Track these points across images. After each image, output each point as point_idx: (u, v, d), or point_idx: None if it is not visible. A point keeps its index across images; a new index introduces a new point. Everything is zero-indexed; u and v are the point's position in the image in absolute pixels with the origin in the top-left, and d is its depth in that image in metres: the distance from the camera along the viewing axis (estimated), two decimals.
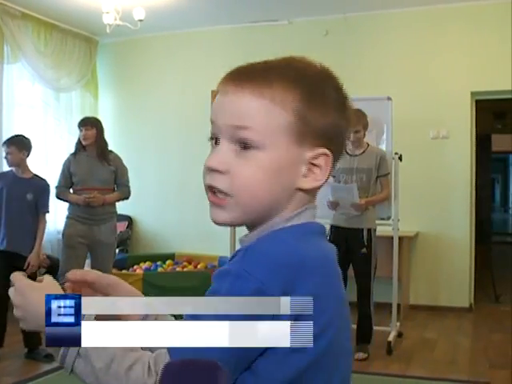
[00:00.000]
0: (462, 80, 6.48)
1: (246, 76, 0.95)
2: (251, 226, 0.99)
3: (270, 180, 0.94)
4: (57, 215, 6.82)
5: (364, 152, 4.88)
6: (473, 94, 6.55)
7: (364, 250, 4.79)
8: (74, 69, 7.63)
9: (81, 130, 5.19)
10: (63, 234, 5.21)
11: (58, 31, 7.38)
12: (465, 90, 6.50)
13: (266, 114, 0.93)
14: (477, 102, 6.69)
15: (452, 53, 6.52)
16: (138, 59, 7.96)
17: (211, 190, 0.97)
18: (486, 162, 11.14)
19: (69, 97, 7.66)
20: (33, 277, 4.87)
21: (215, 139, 0.99)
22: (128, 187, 5.39)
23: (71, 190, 5.23)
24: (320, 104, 0.96)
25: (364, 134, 4.87)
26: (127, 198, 5.43)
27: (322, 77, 0.99)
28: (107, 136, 5.39)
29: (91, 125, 5.22)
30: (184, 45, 7.70)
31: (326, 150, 0.96)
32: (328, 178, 0.98)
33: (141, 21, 6.34)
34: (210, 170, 0.96)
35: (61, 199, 5.31)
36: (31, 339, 4.74)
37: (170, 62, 7.77)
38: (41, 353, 4.69)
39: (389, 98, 5.43)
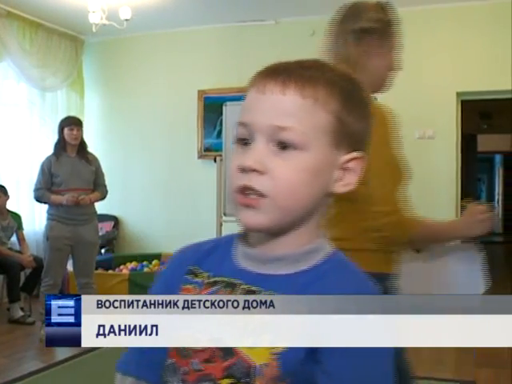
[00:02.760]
0: (447, 80, 6.50)
1: (288, 74, 0.92)
2: (278, 233, 0.95)
3: (309, 182, 0.91)
4: (41, 214, 6.78)
5: None
6: (458, 94, 6.58)
7: None
8: (60, 68, 7.59)
9: (71, 129, 5.12)
10: (48, 237, 5.14)
11: (44, 30, 7.34)
12: (450, 90, 6.52)
13: (309, 114, 0.90)
14: (462, 102, 6.72)
15: (438, 53, 6.54)
16: (124, 59, 7.93)
17: (243, 191, 0.91)
18: (472, 162, 11.22)
19: (54, 96, 7.61)
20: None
21: (243, 140, 0.94)
22: (106, 187, 5.40)
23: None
24: (357, 107, 0.95)
25: None
26: (105, 197, 5.44)
27: (355, 80, 0.98)
28: (94, 136, 5.38)
29: (80, 125, 5.23)
30: (170, 44, 7.68)
31: (360, 154, 0.95)
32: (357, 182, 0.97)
33: (127, 20, 6.33)
34: (245, 169, 0.91)
35: (41, 202, 5.26)
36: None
37: (156, 61, 7.74)
38: None
39: (374, 98, 5.45)
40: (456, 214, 6.64)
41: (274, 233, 0.94)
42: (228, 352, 0.90)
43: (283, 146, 0.90)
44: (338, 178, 0.95)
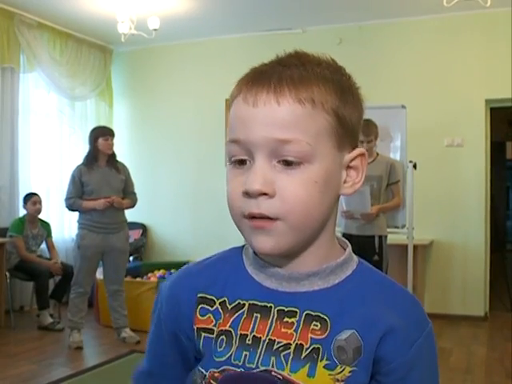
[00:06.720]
0: (476, 88, 6.45)
1: (278, 79, 0.83)
2: (297, 251, 0.87)
3: (322, 194, 0.83)
4: (70, 222, 6.85)
5: (374, 160, 4.86)
6: (487, 101, 6.53)
7: (376, 257, 4.77)
8: (89, 78, 7.68)
9: (106, 139, 5.20)
10: (79, 246, 5.20)
11: (74, 40, 7.44)
12: (479, 98, 6.48)
13: (309, 120, 0.81)
14: (491, 109, 6.67)
15: (466, 60, 6.50)
16: (152, 68, 8.00)
17: (252, 216, 0.83)
18: (501, 169, 11.10)
19: (84, 105, 7.71)
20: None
21: (238, 160, 0.85)
22: (135, 195, 5.48)
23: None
24: (351, 98, 0.87)
25: (375, 144, 4.86)
26: (135, 205, 5.51)
27: (341, 67, 0.90)
28: (122, 145, 5.42)
29: (114, 135, 5.33)
30: (198, 53, 7.73)
31: (362, 150, 0.88)
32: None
33: (155, 30, 6.37)
34: (252, 194, 0.81)
35: (74, 210, 5.30)
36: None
37: (184, 70, 7.79)
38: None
39: (403, 106, 5.42)
40: (485, 221, 6.58)
41: (293, 252, 0.87)
42: None
43: (289, 161, 0.81)
44: (344, 179, 0.88)
